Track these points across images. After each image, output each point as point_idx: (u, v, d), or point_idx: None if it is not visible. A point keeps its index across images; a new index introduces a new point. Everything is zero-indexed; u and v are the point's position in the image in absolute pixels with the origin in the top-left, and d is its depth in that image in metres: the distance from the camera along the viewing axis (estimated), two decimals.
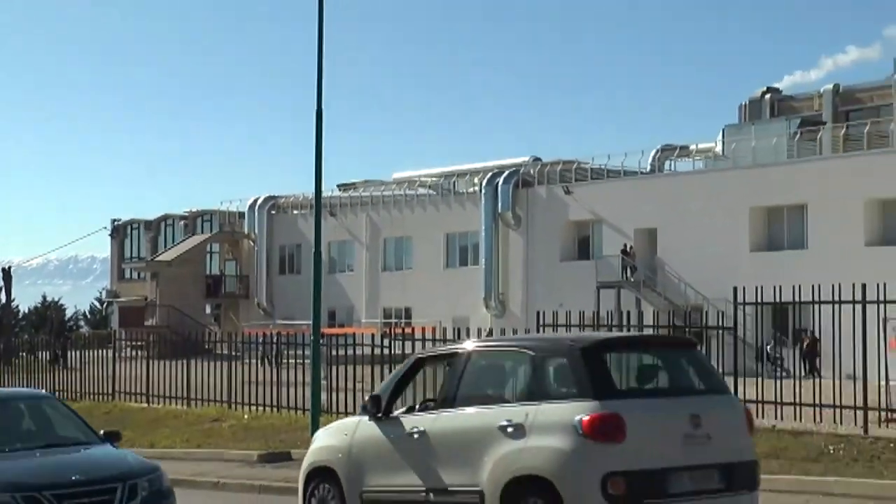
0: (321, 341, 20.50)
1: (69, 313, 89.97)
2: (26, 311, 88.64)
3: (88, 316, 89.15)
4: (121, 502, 10.48)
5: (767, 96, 55.86)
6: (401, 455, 10.37)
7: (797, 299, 17.65)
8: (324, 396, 20.53)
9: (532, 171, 52.95)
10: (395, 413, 10.74)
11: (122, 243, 74.12)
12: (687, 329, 20.43)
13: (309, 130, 19.23)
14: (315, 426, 18.05)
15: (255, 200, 65.10)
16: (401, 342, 22.66)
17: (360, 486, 10.63)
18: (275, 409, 23.41)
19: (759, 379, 18.26)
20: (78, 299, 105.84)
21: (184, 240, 68.06)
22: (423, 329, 22.55)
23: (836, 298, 17.02)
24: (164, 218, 72.72)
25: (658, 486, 8.94)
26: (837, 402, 17.33)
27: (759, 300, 18.09)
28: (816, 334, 29.56)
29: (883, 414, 17.36)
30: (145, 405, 26.26)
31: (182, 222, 70.91)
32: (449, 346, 12.48)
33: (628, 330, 19.67)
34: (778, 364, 29.47)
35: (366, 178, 65.47)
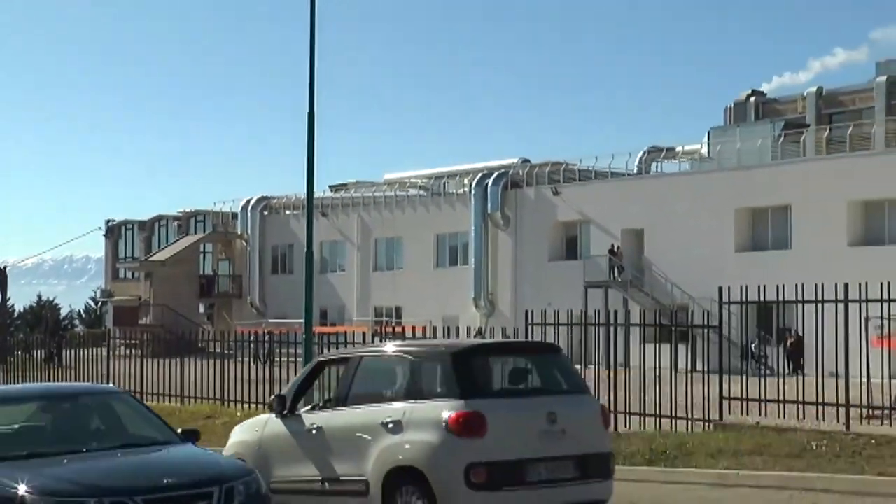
0: (313, 340, 20.49)
1: (64, 312, 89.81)
2: (22, 310, 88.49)
3: (83, 315, 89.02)
4: None
5: (752, 99, 56.00)
6: (301, 449, 11.40)
7: (781, 299, 17.71)
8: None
9: (521, 173, 52.99)
10: (299, 411, 11.73)
11: (116, 243, 73.99)
12: (673, 328, 20.49)
13: (301, 131, 19.24)
14: None
15: (248, 201, 65.06)
16: (391, 341, 22.65)
17: (269, 477, 11.29)
18: (267, 407, 23.35)
19: (744, 377, 18.32)
20: (73, 299, 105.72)
21: (177, 240, 67.99)
22: (414, 328, 22.55)
23: (819, 298, 17.07)
24: (158, 218, 72.64)
25: (516, 475, 9.88)
26: (820, 400, 17.38)
27: (744, 300, 18.14)
28: (800, 333, 29.69)
29: (864, 411, 17.42)
30: None
31: (175, 223, 70.85)
32: (348, 350, 13.80)
33: (615, 329, 19.74)
34: (762, 362, 29.54)
35: (357, 179, 65.49)
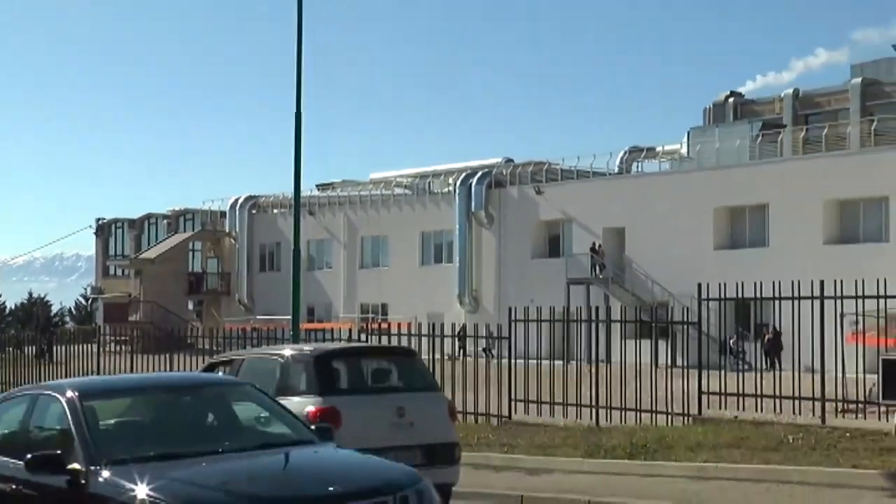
0: (300, 336, 20.47)
1: (55, 309, 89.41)
2: (13, 307, 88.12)
3: (74, 312, 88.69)
4: None
5: (730, 100, 56.15)
6: None
7: (759, 296, 17.76)
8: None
9: (504, 172, 53.03)
10: None
11: (106, 241, 73.80)
12: (654, 324, 20.54)
13: (287, 131, 19.24)
14: None
15: (236, 200, 64.96)
16: (377, 337, 22.67)
17: None
18: None
19: (723, 372, 18.37)
20: (63, 296, 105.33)
21: (167, 238, 67.86)
22: (399, 324, 22.53)
23: (796, 295, 17.14)
24: (148, 217, 72.49)
25: None
26: (796, 394, 17.45)
27: (723, 296, 18.19)
28: (778, 329, 29.78)
29: (839, 405, 17.49)
30: None
31: (165, 221, 70.70)
32: (235, 352, 14.84)
33: (597, 326, 19.78)
34: (740, 357, 29.66)
35: (344, 178, 65.45)
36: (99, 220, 74.20)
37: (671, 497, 12.57)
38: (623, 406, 18.62)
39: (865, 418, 16.88)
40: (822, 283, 17.09)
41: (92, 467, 7.78)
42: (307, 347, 12.91)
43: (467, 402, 19.60)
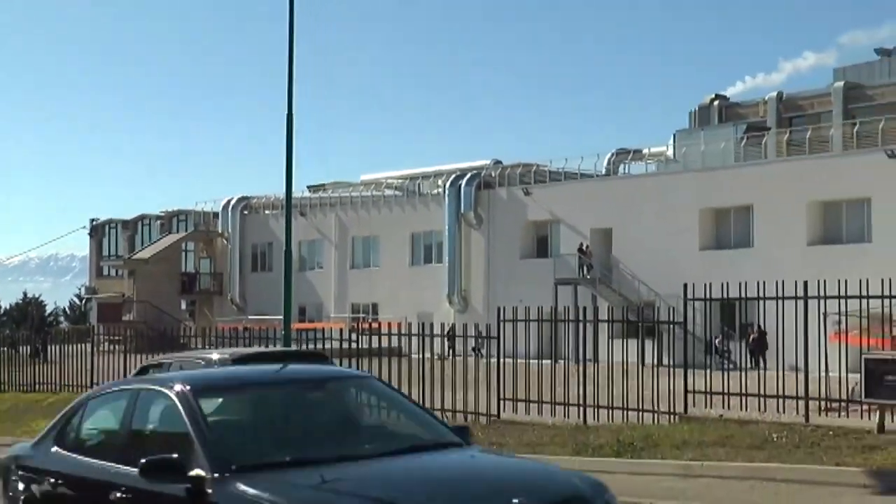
0: (291, 336, 20.42)
1: (49, 309, 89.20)
2: (8, 307, 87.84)
3: (68, 312, 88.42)
4: None
5: (716, 103, 56.25)
6: None
7: (743, 295, 17.78)
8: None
9: (493, 174, 53.03)
10: None
11: (100, 242, 73.63)
12: (640, 324, 20.53)
13: (281, 133, 19.21)
14: None
15: (229, 201, 64.86)
16: (368, 337, 22.64)
17: None
18: None
19: (708, 371, 18.38)
20: (58, 296, 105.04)
21: (160, 238, 67.71)
22: (389, 324, 22.51)
23: (780, 295, 17.16)
24: (141, 218, 72.32)
25: None
26: (780, 393, 17.47)
27: (708, 296, 18.20)
28: (762, 329, 29.81)
29: (823, 403, 17.51)
30: None
31: (158, 222, 70.55)
32: (167, 356, 15.77)
33: (584, 325, 19.79)
34: (726, 357, 29.70)
35: (335, 179, 65.38)
36: (93, 220, 74.03)
37: (658, 495, 12.57)
38: (610, 405, 18.62)
39: (848, 417, 16.90)
40: (805, 283, 17.12)
41: (216, 474, 6.59)
42: (228, 351, 13.92)
43: (456, 401, 19.58)
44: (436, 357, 20.17)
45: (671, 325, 19.12)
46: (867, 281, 16.43)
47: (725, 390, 18.05)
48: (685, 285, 18.60)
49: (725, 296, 17.90)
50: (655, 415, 18.04)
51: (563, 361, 19.47)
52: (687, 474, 13.46)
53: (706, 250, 43.40)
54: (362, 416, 8.05)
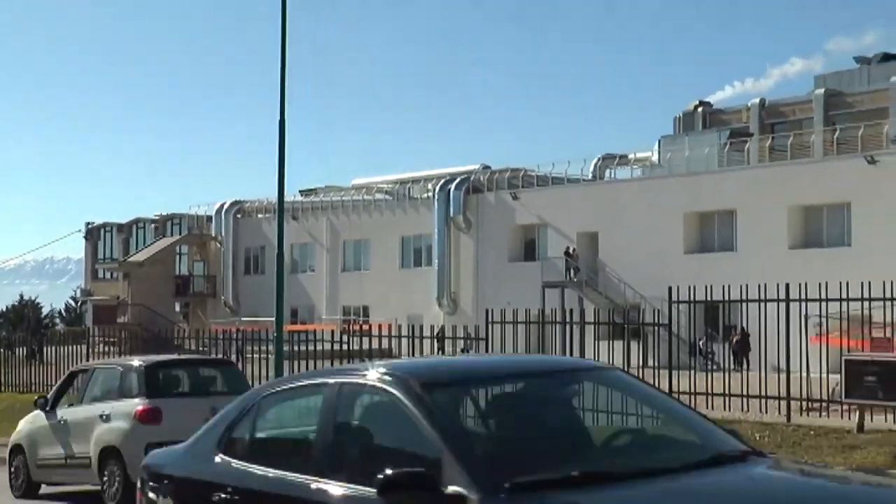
0: (284, 338, 20.41)
1: (45, 311, 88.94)
2: (4, 309, 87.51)
3: (64, 314, 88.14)
4: None
5: (700, 109, 56.38)
6: (55, 435, 14.59)
7: (727, 298, 17.84)
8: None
9: (482, 178, 53.04)
10: (59, 407, 14.89)
11: (95, 245, 73.42)
12: (626, 326, 20.56)
13: (273, 135, 19.17)
14: None
15: (222, 205, 64.77)
16: (359, 338, 22.64)
17: (36, 457, 14.89)
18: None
19: (692, 372, 18.42)
20: (54, 298, 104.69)
21: (154, 242, 67.56)
22: (380, 326, 22.50)
23: (762, 297, 17.21)
24: (136, 221, 72.15)
25: None
26: (763, 393, 17.51)
27: (692, 299, 18.24)
28: (745, 330, 29.88)
29: (804, 403, 17.57)
30: None
31: (153, 225, 70.40)
32: (90, 363, 17.18)
33: (571, 327, 19.80)
34: (709, 358, 29.76)
35: (326, 184, 65.36)
36: (88, 224, 73.84)
37: None
38: None
39: (829, 416, 16.95)
40: (787, 286, 17.17)
41: (483, 495, 4.97)
42: (144, 359, 15.03)
43: None
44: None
45: (656, 327, 19.17)
46: (847, 284, 16.48)
47: (709, 391, 18.09)
48: (670, 288, 18.63)
49: (709, 298, 17.95)
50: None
51: None
52: None
53: (690, 254, 43.47)
54: (622, 417, 6.34)
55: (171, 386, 14.14)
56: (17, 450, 15.32)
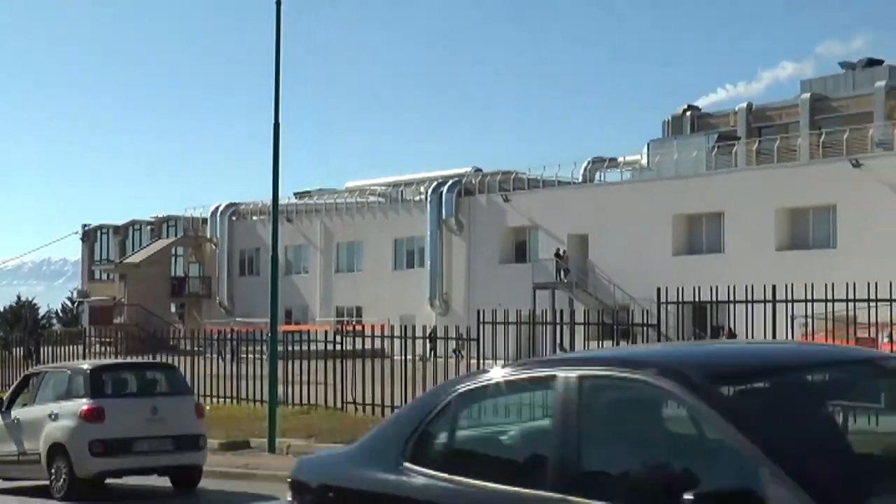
0: (278, 338, 20.40)
1: (42, 312, 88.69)
2: (2, 309, 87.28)
3: (60, 314, 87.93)
4: None
5: (688, 113, 56.46)
6: (9, 433, 15.22)
7: (714, 299, 17.85)
8: (280, 389, 20.42)
9: (473, 181, 53.08)
10: (15, 408, 15.44)
11: (92, 247, 73.28)
12: (615, 326, 20.57)
13: (267, 138, 19.11)
14: (272, 416, 17.97)
15: (217, 207, 64.72)
16: (352, 338, 22.64)
17: None
18: (235, 401, 23.23)
19: None
20: (51, 299, 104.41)
21: (150, 243, 67.48)
22: (373, 327, 22.48)
23: (749, 298, 17.22)
24: (132, 223, 72.03)
25: (125, 447, 14.01)
26: None
27: (681, 300, 18.25)
28: (733, 331, 29.91)
29: None
30: None
31: (149, 227, 70.30)
32: (43, 367, 17.67)
33: (561, 328, 19.83)
34: None
35: (320, 186, 65.35)
36: (85, 226, 73.70)
37: None
38: None
39: None
40: (773, 287, 17.19)
41: None
42: (91, 363, 15.86)
43: None
44: (418, 358, 20.15)
45: (645, 328, 19.17)
46: (833, 285, 16.50)
47: None
48: (658, 289, 18.64)
49: (697, 299, 17.96)
50: None
51: None
52: None
53: (679, 255, 43.53)
54: None
55: (114, 387, 14.91)
56: None
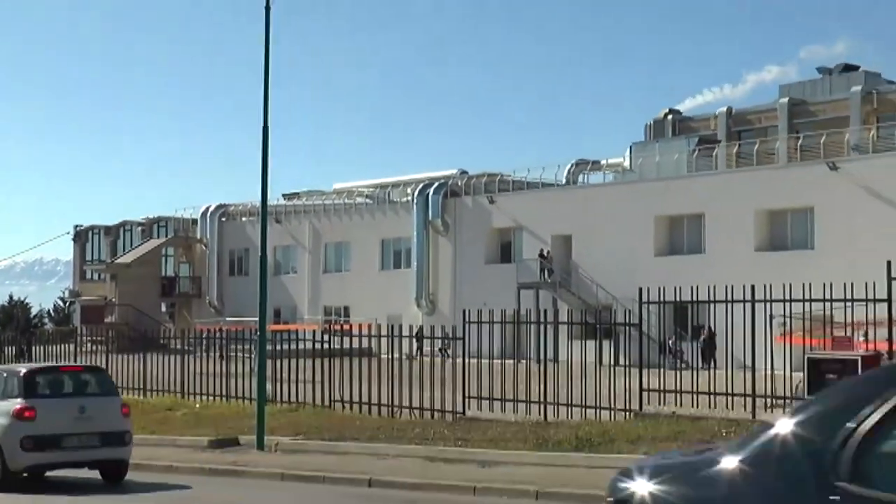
0: (267, 337, 20.38)
1: (34, 311, 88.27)
2: None
3: (52, 314, 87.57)
4: None
5: (669, 117, 56.59)
6: None
7: (695, 299, 17.91)
8: (269, 387, 20.39)
9: (459, 183, 53.07)
10: None
11: (83, 247, 72.99)
12: (598, 326, 20.61)
13: (256, 140, 19.09)
14: (261, 414, 17.94)
15: (207, 208, 64.56)
16: (339, 338, 22.62)
17: None
18: (224, 399, 23.19)
19: (662, 370, 18.48)
20: (43, 298, 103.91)
21: (141, 244, 67.24)
22: (360, 326, 22.47)
23: (729, 298, 17.29)
24: (123, 224, 71.78)
25: (55, 442, 14.74)
26: (729, 391, 17.60)
27: (662, 300, 18.31)
28: (713, 329, 29.99)
29: (769, 400, 17.66)
30: None
31: (140, 228, 70.06)
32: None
33: (545, 327, 19.87)
34: (678, 357, 29.83)
35: (308, 188, 65.24)
36: (77, 226, 73.41)
37: None
38: (569, 402, 18.68)
39: None
40: (752, 287, 17.26)
41: None
42: (26, 366, 16.59)
43: (424, 399, 19.57)
44: (404, 357, 20.15)
45: (627, 327, 19.22)
46: (810, 285, 16.58)
47: (678, 388, 18.16)
48: (640, 289, 18.69)
49: (678, 299, 18.02)
50: (612, 412, 18.12)
51: (525, 361, 19.52)
52: None
53: (660, 256, 43.62)
54: None
55: (46, 389, 15.60)
56: None
